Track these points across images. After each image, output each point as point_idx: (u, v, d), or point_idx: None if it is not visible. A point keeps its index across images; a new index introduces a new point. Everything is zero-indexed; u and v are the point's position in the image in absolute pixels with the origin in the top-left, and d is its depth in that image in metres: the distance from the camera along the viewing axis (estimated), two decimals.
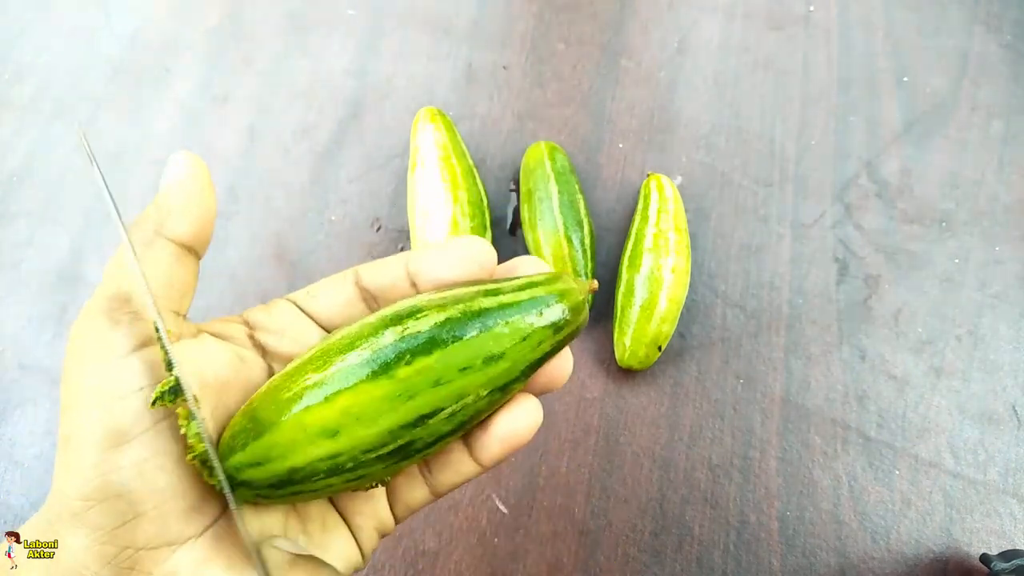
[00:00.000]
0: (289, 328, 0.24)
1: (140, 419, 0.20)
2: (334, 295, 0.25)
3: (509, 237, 0.51)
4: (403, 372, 0.21)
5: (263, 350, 0.24)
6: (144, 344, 0.21)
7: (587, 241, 0.47)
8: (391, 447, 0.21)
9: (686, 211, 0.51)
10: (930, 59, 0.57)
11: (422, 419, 0.21)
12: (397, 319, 0.22)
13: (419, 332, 0.22)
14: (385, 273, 0.25)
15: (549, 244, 0.46)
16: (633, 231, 0.48)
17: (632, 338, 0.44)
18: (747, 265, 0.50)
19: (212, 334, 0.23)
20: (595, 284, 0.25)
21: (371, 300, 0.25)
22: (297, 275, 0.50)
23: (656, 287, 0.44)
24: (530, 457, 0.45)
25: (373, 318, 0.22)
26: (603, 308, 0.48)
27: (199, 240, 0.23)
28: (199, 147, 0.54)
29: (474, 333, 0.22)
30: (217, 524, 0.21)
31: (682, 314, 0.48)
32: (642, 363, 0.45)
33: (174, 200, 0.22)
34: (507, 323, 0.22)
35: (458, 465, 0.25)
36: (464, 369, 0.22)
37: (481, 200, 0.48)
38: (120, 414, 0.19)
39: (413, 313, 0.22)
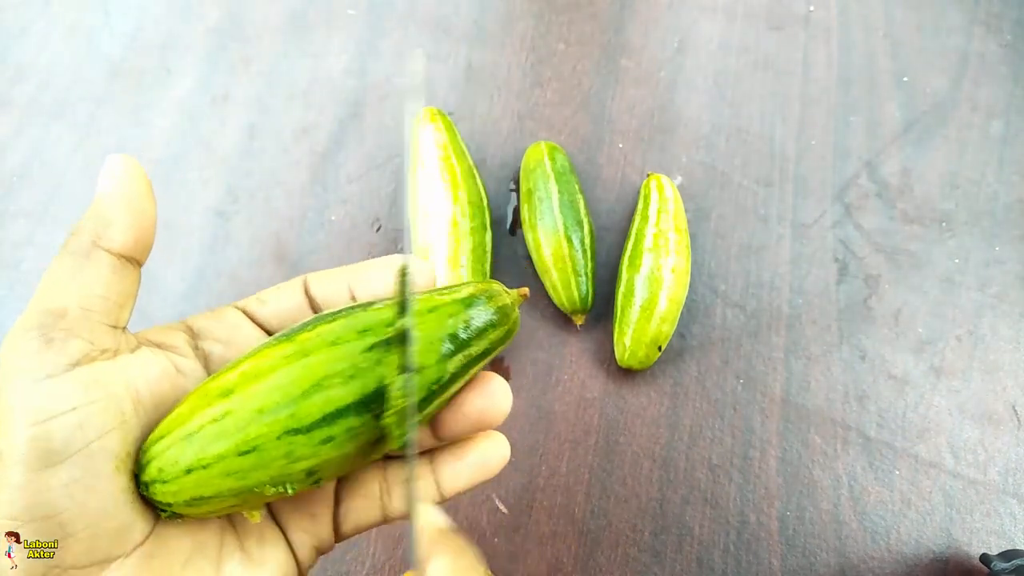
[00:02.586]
0: (235, 335, 0.24)
1: (72, 440, 0.19)
2: (284, 301, 0.25)
3: (509, 237, 0.51)
4: (304, 336, 0.21)
5: (206, 359, 0.24)
6: (79, 362, 0.20)
7: (587, 241, 0.47)
8: (286, 411, 0.20)
9: (686, 211, 0.51)
10: (930, 59, 0.57)
11: (316, 384, 0.20)
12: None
13: (332, 311, 0.22)
14: (329, 286, 0.25)
15: (549, 244, 0.46)
16: (633, 231, 0.48)
17: (632, 338, 0.44)
18: (747, 265, 0.50)
19: (153, 343, 0.23)
20: (525, 290, 0.26)
21: (318, 310, 0.25)
22: (297, 275, 0.50)
23: (656, 287, 0.44)
24: (530, 457, 0.45)
25: None
26: (603, 308, 0.48)
27: (139, 249, 0.22)
28: (199, 147, 0.54)
29: (379, 306, 0.22)
30: (147, 542, 0.21)
31: (682, 314, 0.48)
32: (642, 363, 0.45)
33: (111, 209, 0.22)
34: (416, 299, 0.23)
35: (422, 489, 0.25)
36: (364, 331, 0.21)
37: (481, 200, 0.48)
38: (51, 434, 0.19)
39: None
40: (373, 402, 0.21)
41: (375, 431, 0.21)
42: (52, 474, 0.19)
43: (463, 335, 0.23)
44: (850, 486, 0.44)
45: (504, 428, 0.45)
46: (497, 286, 0.25)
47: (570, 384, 0.47)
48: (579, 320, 0.47)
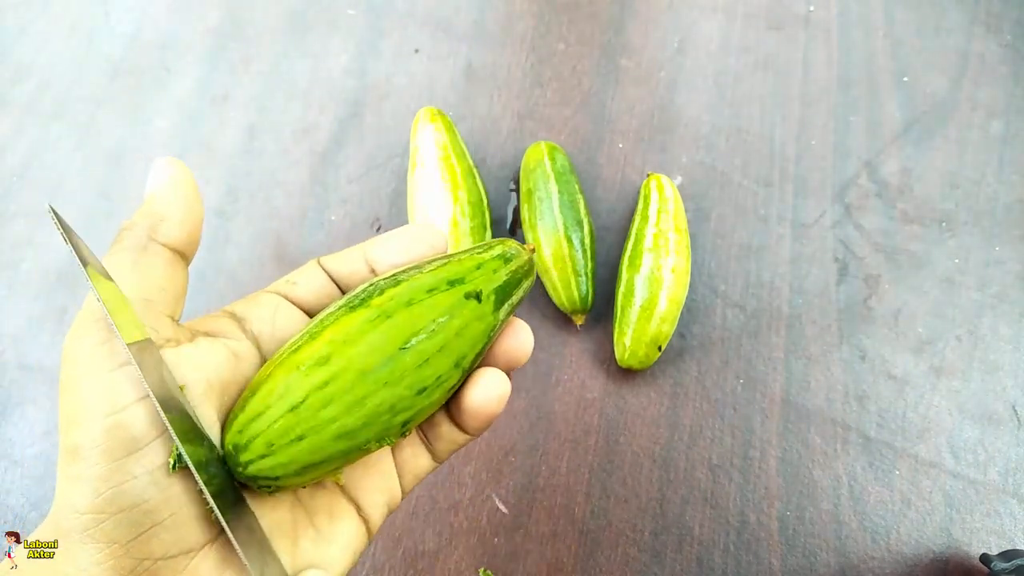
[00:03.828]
0: (278, 317, 0.24)
1: (150, 426, 0.19)
2: (312, 281, 0.26)
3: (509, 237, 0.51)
4: (376, 300, 0.22)
5: (256, 341, 0.24)
6: None
7: (587, 241, 0.47)
8: (386, 368, 0.21)
9: (686, 211, 0.51)
10: (930, 59, 0.57)
11: (407, 340, 0.22)
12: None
13: (385, 277, 0.24)
14: (346, 263, 0.26)
15: (549, 244, 0.46)
16: (633, 231, 0.48)
17: (632, 338, 0.44)
18: (747, 265, 0.50)
19: (204, 333, 0.23)
20: (533, 246, 0.28)
21: (342, 286, 0.26)
22: None
23: (656, 287, 0.44)
24: (530, 457, 0.45)
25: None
26: (603, 308, 0.48)
27: (190, 244, 0.23)
28: (199, 147, 0.54)
29: (431, 268, 0.24)
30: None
31: (682, 314, 0.48)
32: (642, 363, 0.45)
33: (165, 205, 0.22)
34: (459, 260, 0.25)
35: (449, 435, 0.26)
36: (432, 290, 0.23)
37: (481, 200, 0.48)
38: (129, 423, 0.19)
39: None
40: (452, 346, 0.23)
41: (455, 377, 0.23)
42: (134, 463, 0.19)
43: (507, 287, 0.25)
44: (850, 486, 0.44)
45: (504, 428, 0.45)
46: (513, 243, 0.27)
47: (570, 384, 0.47)
48: (579, 320, 0.47)
